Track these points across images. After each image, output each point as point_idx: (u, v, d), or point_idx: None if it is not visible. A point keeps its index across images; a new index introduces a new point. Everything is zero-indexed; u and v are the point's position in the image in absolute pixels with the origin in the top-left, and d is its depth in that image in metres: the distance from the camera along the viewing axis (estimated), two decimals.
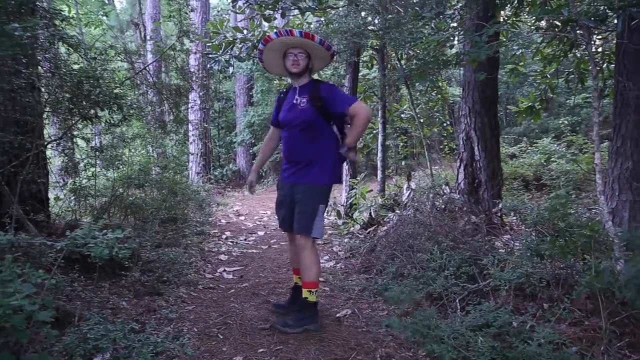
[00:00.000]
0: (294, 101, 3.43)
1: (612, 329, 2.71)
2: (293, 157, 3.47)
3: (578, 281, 3.11)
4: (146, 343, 2.56)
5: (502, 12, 5.65)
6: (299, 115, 3.39)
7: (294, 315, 3.47)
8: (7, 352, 2.25)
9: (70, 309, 3.09)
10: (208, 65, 7.76)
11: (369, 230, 5.93)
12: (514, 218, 5.23)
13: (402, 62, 7.80)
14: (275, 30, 3.47)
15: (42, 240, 2.51)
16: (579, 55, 5.98)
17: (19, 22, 2.96)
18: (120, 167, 5.86)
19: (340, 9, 6.85)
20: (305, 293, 3.45)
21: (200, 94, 10.37)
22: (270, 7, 6.08)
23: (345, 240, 6.16)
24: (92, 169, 5.51)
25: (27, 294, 2.07)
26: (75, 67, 4.36)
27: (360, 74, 8.77)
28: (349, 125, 3.49)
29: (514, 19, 5.69)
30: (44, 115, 4.39)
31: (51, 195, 5.17)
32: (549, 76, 6.52)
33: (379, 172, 7.71)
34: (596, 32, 5.25)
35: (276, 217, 3.74)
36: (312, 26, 7.71)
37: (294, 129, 3.41)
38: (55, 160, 6.43)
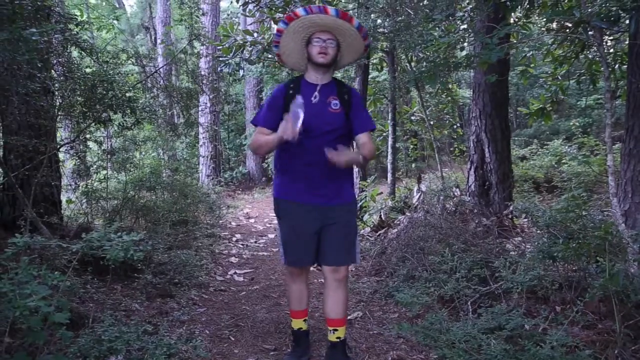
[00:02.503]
0: (313, 99, 2.70)
1: (626, 332, 2.69)
2: (322, 173, 2.71)
3: (591, 284, 3.09)
4: (160, 345, 2.58)
5: (512, 14, 5.63)
6: (333, 121, 2.72)
7: None
8: (23, 353, 2.27)
9: (83, 311, 3.12)
10: (218, 68, 7.80)
11: (379, 232, 5.93)
12: (525, 220, 5.21)
13: (412, 64, 7.79)
14: (302, 6, 2.80)
15: (58, 243, 2.54)
16: (590, 56, 5.94)
17: (36, 27, 3.00)
18: (132, 169, 5.91)
19: (350, 11, 6.86)
20: (343, 332, 2.89)
21: (211, 96, 10.41)
22: (280, 10, 6.11)
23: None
24: (104, 172, 5.56)
25: (43, 296, 2.10)
26: (88, 71, 4.41)
27: (370, 76, 8.78)
28: None
29: (525, 20, 5.66)
30: (57, 119, 4.44)
31: (63, 198, 5.22)
32: (559, 78, 6.48)
33: (389, 175, 7.70)
34: (608, 33, 5.21)
35: (286, 252, 2.85)
36: None
37: (323, 137, 2.67)
38: (67, 163, 6.49)
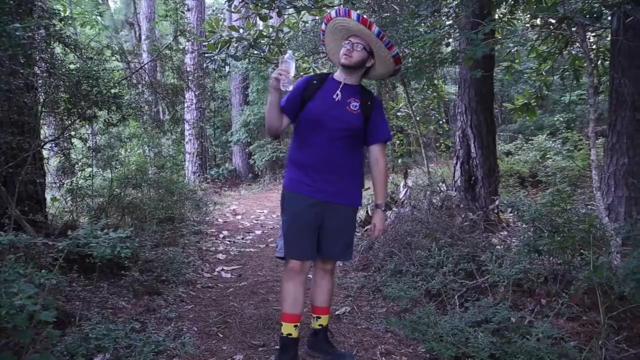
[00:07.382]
0: (335, 97, 2.77)
1: (609, 324, 2.74)
2: (327, 168, 2.76)
3: (576, 276, 3.14)
4: (147, 342, 2.56)
5: (497, 10, 5.67)
6: (350, 120, 2.76)
7: (337, 351, 3.00)
8: (8, 353, 2.25)
9: (70, 309, 3.09)
10: (204, 65, 7.75)
11: (366, 227, 5.94)
12: (511, 215, 5.26)
13: None
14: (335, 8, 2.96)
15: (44, 240, 2.51)
16: (574, 52, 6.00)
17: (19, 22, 2.96)
18: (117, 167, 5.85)
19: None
20: (326, 320, 3.03)
21: (197, 93, 10.38)
22: (266, 5, 6.07)
23: None
24: (89, 169, 5.50)
25: (29, 294, 2.07)
26: (72, 67, 4.36)
27: None
28: None
29: (509, 16, 5.70)
30: (41, 116, 4.38)
31: (48, 196, 5.16)
32: (544, 73, 6.54)
33: None
34: (591, 29, 5.28)
35: (288, 245, 2.80)
36: (307, 25, 7.71)
37: (334, 134, 2.74)
38: (51, 161, 6.41)
